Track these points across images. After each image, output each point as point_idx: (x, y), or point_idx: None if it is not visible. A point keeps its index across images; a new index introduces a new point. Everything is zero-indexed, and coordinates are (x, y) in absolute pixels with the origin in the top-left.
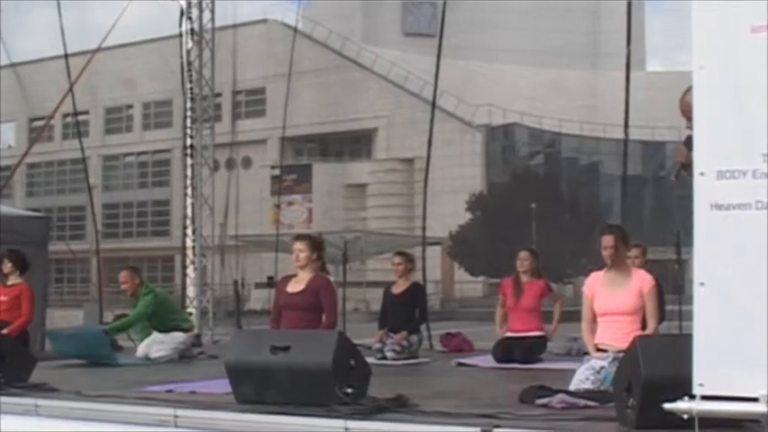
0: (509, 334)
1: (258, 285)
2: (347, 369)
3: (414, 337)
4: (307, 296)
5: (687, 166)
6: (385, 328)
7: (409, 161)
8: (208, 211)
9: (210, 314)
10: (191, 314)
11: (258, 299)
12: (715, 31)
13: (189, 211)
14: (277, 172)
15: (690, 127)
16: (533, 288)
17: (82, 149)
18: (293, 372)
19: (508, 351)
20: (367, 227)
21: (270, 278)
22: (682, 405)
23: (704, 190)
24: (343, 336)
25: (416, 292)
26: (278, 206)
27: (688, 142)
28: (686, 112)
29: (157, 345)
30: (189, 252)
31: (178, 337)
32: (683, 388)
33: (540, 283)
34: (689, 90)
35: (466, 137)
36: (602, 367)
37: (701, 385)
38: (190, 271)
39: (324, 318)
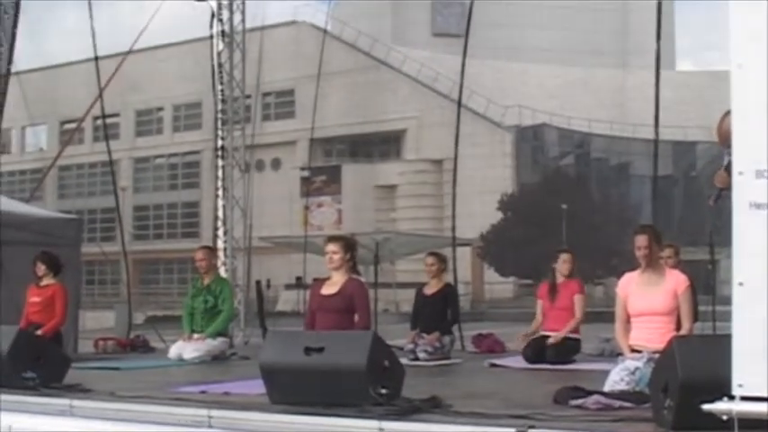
0: (543, 332)
1: (288, 287)
2: (381, 369)
3: (446, 338)
4: (341, 298)
5: (725, 190)
6: (417, 328)
7: (439, 162)
8: (239, 213)
9: (242, 315)
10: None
11: (287, 300)
12: (754, 28)
13: (220, 213)
14: (306, 173)
15: (729, 153)
16: (568, 288)
17: (109, 152)
18: (327, 372)
19: (540, 352)
20: (397, 228)
21: (298, 279)
22: (721, 406)
23: (743, 189)
24: (377, 336)
25: (449, 293)
26: (307, 207)
27: (728, 168)
28: (724, 137)
29: (191, 346)
30: (220, 254)
31: (212, 341)
32: (720, 389)
33: (574, 283)
34: (727, 115)
35: (495, 137)
36: (636, 368)
37: (740, 386)
38: (222, 272)
39: (357, 319)
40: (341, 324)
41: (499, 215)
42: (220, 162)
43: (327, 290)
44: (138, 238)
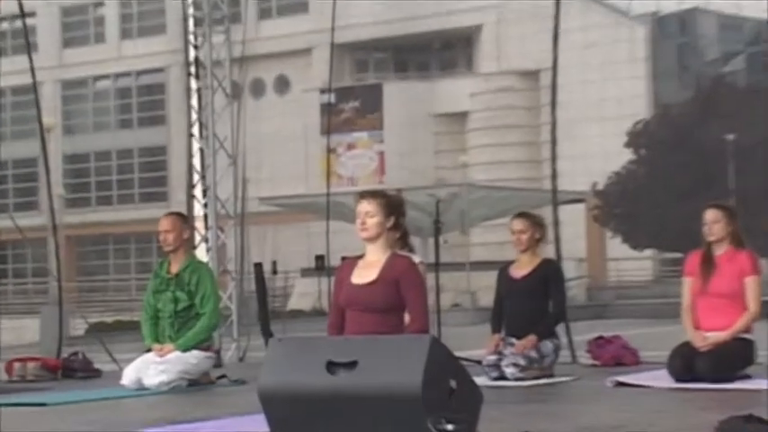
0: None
1: (304, 273)
2: (445, 394)
3: (547, 345)
4: (382, 287)
5: None
6: (501, 330)
7: (532, 75)
8: (225, 161)
9: (234, 317)
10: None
11: (305, 293)
12: None
13: (197, 162)
14: (329, 98)
15: None
16: (733, 264)
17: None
18: (362, 399)
19: (691, 363)
20: (469, 178)
21: (319, 259)
22: None
23: None
24: (437, 344)
25: (549, 275)
26: (332, 150)
27: None
28: None
29: (156, 367)
30: (199, 225)
31: (190, 357)
32: None
33: (743, 256)
34: None
35: (620, 34)
36: None
37: None
38: (201, 252)
39: (407, 319)
40: (382, 327)
41: (628, 155)
42: (194, 84)
43: (361, 275)
44: (74, 205)
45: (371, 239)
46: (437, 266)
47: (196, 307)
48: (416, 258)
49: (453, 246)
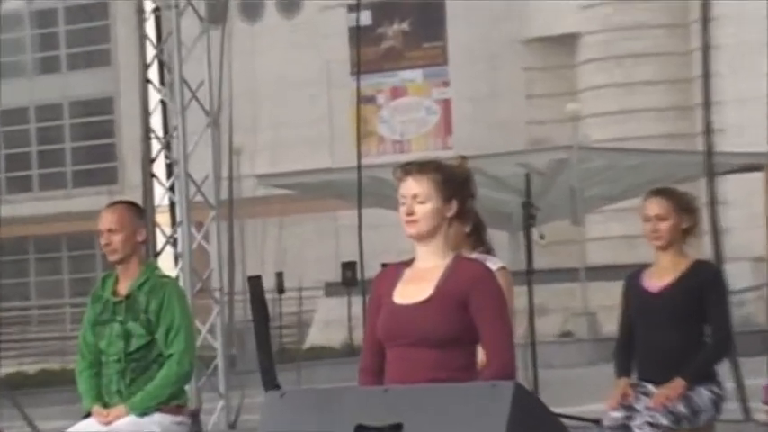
0: None
1: (329, 289)
2: None
3: (702, 394)
4: (438, 310)
5: None
6: (631, 373)
7: None
8: (202, 121)
9: (220, 361)
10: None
11: (331, 321)
12: None
13: (157, 124)
14: (363, 17)
15: None
16: None
17: None
18: None
19: None
20: (582, 138)
21: (349, 267)
22: None
23: None
24: (526, 395)
25: (703, 285)
26: (367, 100)
27: None
28: None
29: None
30: (162, 220)
31: (151, 425)
32: None
33: None
34: None
35: None
36: None
37: None
38: (166, 262)
39: (481, 356)
40: (441, 370)
41: None
42: (150, 1)
43: (408, 291)
44: None
45: (423, 237)
46: (530, 275)
47: (159, 346)
48: (495, 263)
49: (557, 243)
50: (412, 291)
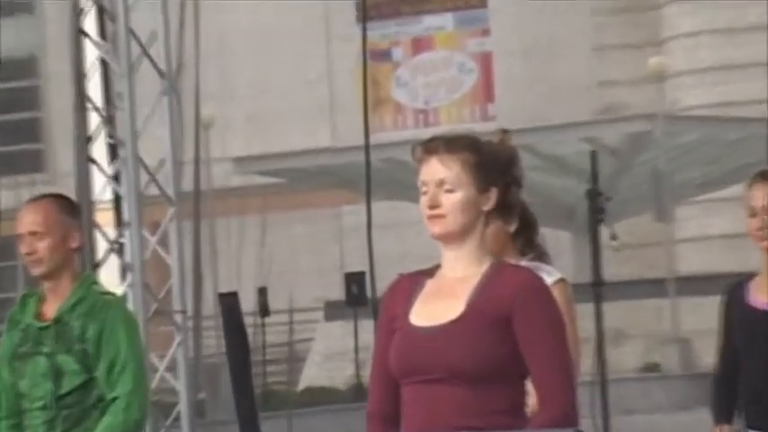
0: None
1: (330, 311)
2: None
3: None
4: (471, 333)
5: None
6: (734, 417)
7: None
8: (155, 86)
9: (183, 408)
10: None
11: (334, 355)
12: None
13: (95, 90)
14: None
15: None
16: None
17: None
18: None
19: None
20: (669, 104)
21: (354, 280)
22: None
23: None
24: None
25: None
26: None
27: None
28: None
29: None
30: (103, 220)
31: None
32: None
33: None
34: None
35: None
36: None
37: None
38: (111, 273)
39: (532, 398)
40: (475, 414)
41: None
42: None
43: (431, 310)
44: None
45: (451, 237)
46: (599, 289)
47: (99, 387)
48: (551, 274)
49: (636, 246)
50: (436, 309)
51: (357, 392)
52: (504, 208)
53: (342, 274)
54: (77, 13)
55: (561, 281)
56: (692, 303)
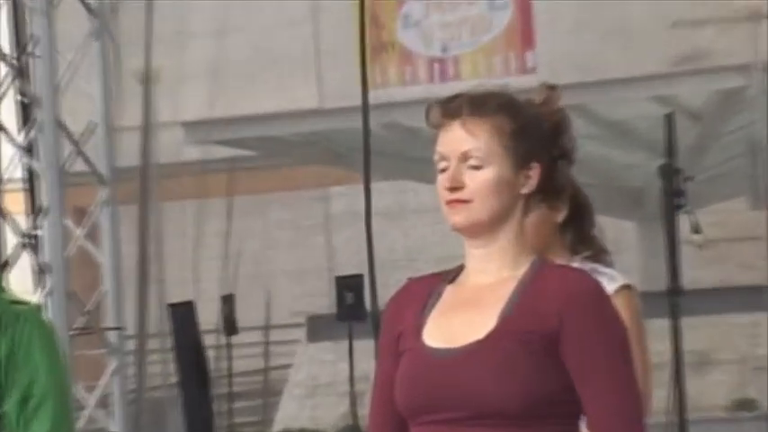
0: None
1: (315, 327)
2: None
3: None
4: (504, 359)
5: None
6: None
7: None
8: (83, 27)
9: None
10: None
11: (321, 386)
12: None
13: (3, 35)
14: None
15: None
16: None
17: None
18: None
19: None
20: None
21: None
22: None
23: None
24: None
25: None
26: None
27: None
28: None
29: None
30: (13, 204)
31: None
32: None
33: None
34: None
35: None
36: None
37: None
38: (23, 275)
39: None
40: None
41: None
42: None
43: (451, 324)
44: None
45: (478, 229)
46: (676, 298)
47: (8, 426)
48: (614, 279)
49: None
50: (458, 325)
51: None
52: (550, 190)
53: (331, 277)
54: None
55: (626, 288)
56: None
